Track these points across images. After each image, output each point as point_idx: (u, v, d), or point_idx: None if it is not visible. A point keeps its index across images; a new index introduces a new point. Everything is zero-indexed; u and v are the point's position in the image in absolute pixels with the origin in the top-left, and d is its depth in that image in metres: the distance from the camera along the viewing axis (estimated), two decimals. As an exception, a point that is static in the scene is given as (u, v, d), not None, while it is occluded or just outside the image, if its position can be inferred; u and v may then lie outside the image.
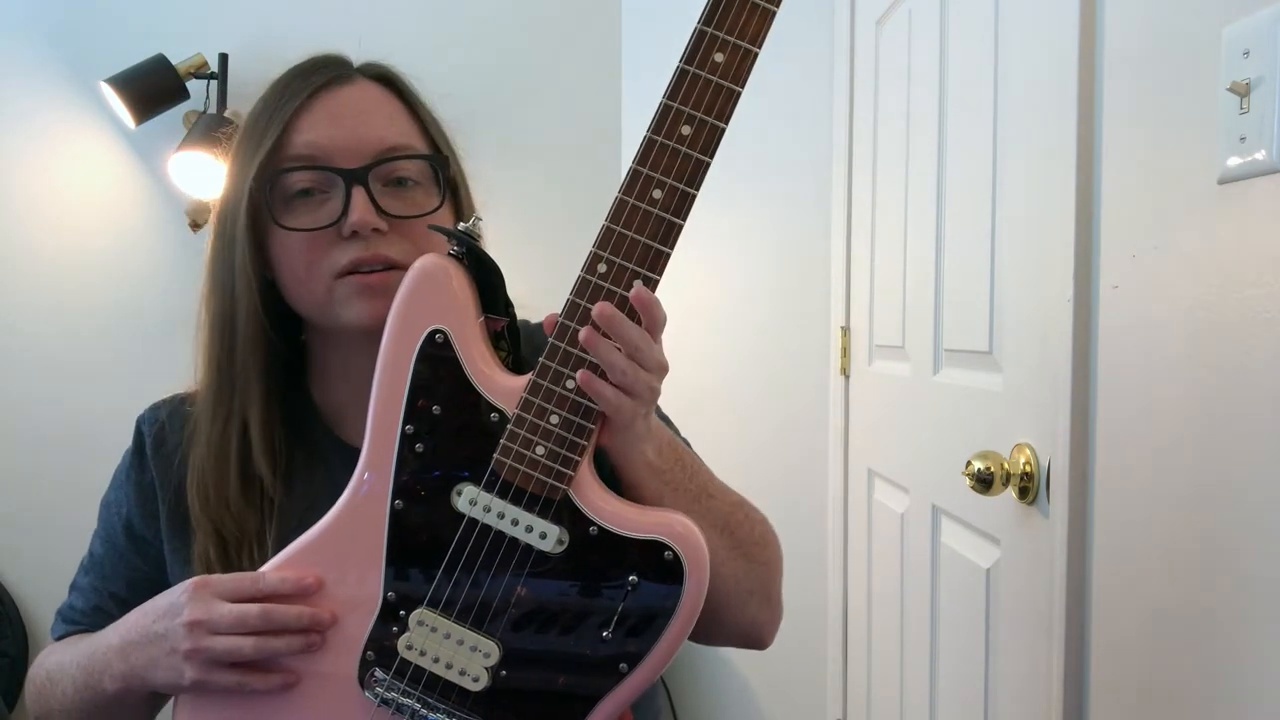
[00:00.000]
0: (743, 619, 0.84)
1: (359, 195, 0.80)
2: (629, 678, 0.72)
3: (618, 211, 0.70)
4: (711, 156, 0.70)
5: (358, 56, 0.93)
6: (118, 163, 2.43)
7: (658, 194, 0.70)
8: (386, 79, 0.88)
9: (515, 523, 0.72)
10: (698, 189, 0.70)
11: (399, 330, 0.74)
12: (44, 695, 0.87)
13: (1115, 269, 0.98)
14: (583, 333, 0.69)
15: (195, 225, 2.34)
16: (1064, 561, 1.04)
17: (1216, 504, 0.83)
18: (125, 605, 0.86)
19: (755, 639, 0.86)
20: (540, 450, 0.71)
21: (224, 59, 2.35)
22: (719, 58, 0.69)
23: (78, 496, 2.43)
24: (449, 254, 0.76)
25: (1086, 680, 1.04)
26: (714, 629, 0.80)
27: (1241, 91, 0.77)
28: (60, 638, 0.94)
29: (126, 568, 0.95)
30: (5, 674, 2.35)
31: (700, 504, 0.78)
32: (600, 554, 0.71)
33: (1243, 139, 0.77)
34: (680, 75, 0.69)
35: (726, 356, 2.18)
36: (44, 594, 2.41)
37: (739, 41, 0.69)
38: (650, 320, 0.71)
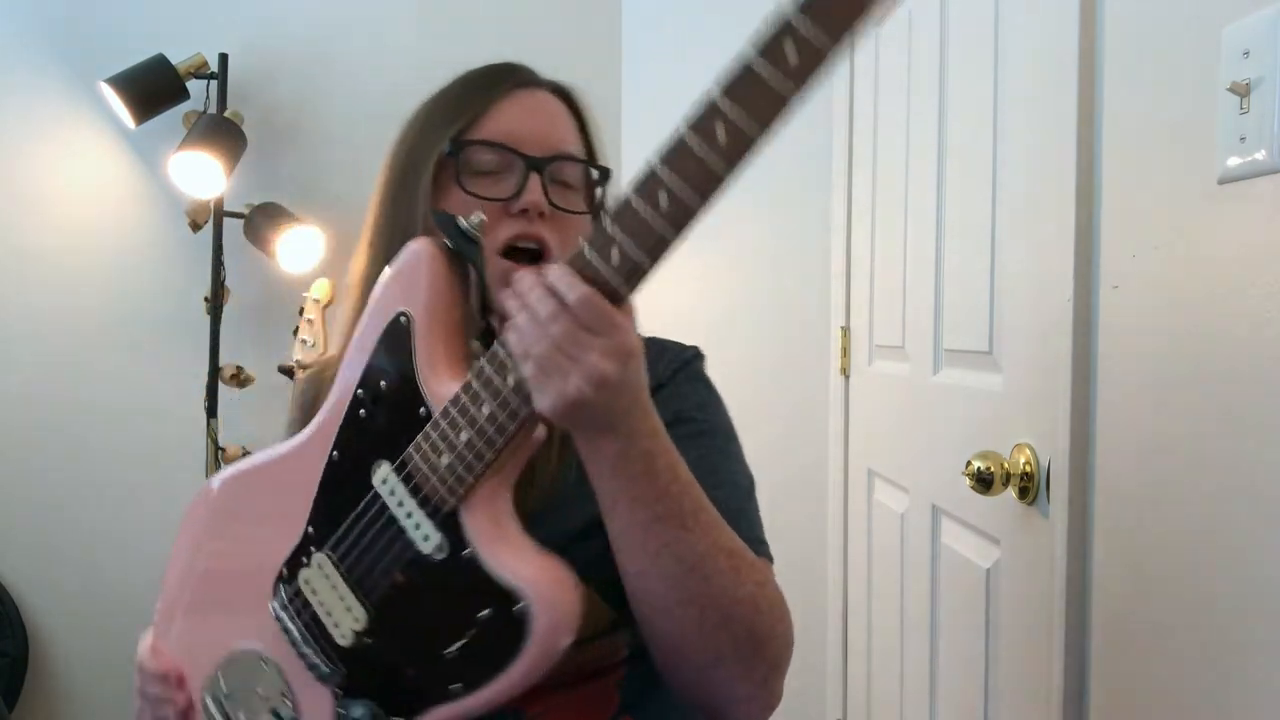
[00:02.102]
0: (707, 686, 0.77)
1: (535, 180, 0.88)
2: (462, 700, 0.72)
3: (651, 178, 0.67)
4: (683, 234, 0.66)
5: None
6: (118, 163, 2.43)
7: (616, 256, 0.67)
8: (567, 95, 0.97)
9: (409, 516, 0.74)
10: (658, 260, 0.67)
11: (380, 300, 0.79)
12: None
13: (1115, 269, 0.98)
14: (504, 292, 0.70)
15: (195, 225, 2.34)
16: (1064, 561, 1.04)
17: (1216, 503, 0.83)
18: None
19: (723, 714, 0.79)
20: (444, 460, 0.72)
21: (224, 59, 2.35)
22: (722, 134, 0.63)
23: (78, 497, 2.44)
24: (445, 245, 0.77)
25: (1086, 680, 1.04)
26: (674, 678, 0.78)
27: (1241, 91, 0.77)
28: None
29: None
30: (5, 674, 2.35)
31: (665, 528, 0.72)
32: (465, 578, 0.72)
33: (1243, 139, 0.77)
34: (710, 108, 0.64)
35: (726, 357, 2.18)
36: (44, 594, 2.41)
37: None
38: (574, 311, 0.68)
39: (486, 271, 0.80)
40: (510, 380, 0.69)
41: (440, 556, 0.73)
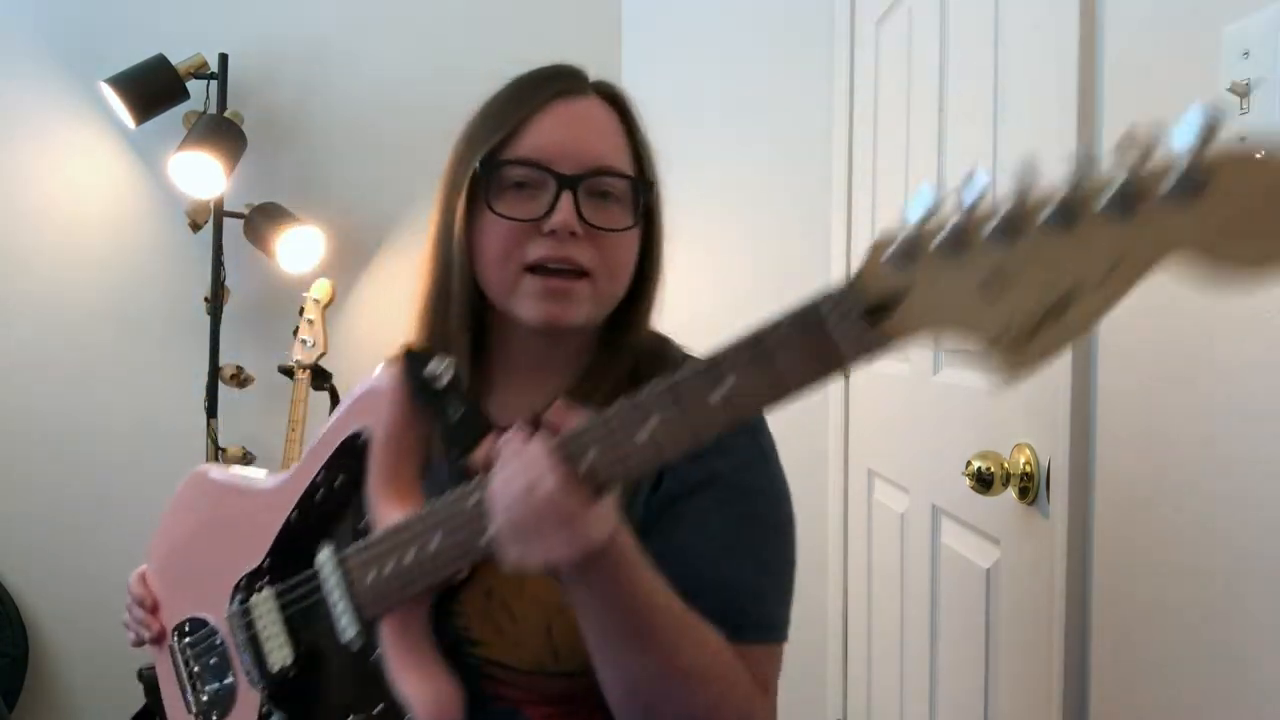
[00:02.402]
0: None
1: (566, 199, 0.86)
2: None
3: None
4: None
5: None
6: (118, 163, 2.43)
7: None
8: (615, 99, 0.94)
9: (336, 603, 0.82)
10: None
11: (347, 409, 0.85)
12: None
13: (1115, 269, 0.98)
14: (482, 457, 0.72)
15: (195, 225, 2.34)
16: (1064, 561, 1.04)
17: (1216, 504, 0.83)
18: None
19: None
20: (372, 577, 0.79)
21: (224, 59, 2.35)
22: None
23: (78, 496, 2.44)
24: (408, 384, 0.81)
25: (1086, 680, 1.04)
26: None
27: (1241, 91, 0.77)
28: None
29: None
30: (5, 674, 2.35)
31: (615, 644, 0.74)
32: (370, 674, 0.80)
33: (1243, 139, 0.77)
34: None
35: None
36: (44, 594, 2.41)
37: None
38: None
39: (520, 288, 0.86)
40: (479, 532, 0.72)
41: (355, 647, 0.81)
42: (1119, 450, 0.98)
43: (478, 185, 0.88)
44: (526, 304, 0.87)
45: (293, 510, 0.88)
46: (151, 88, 2.26)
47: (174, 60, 2.28)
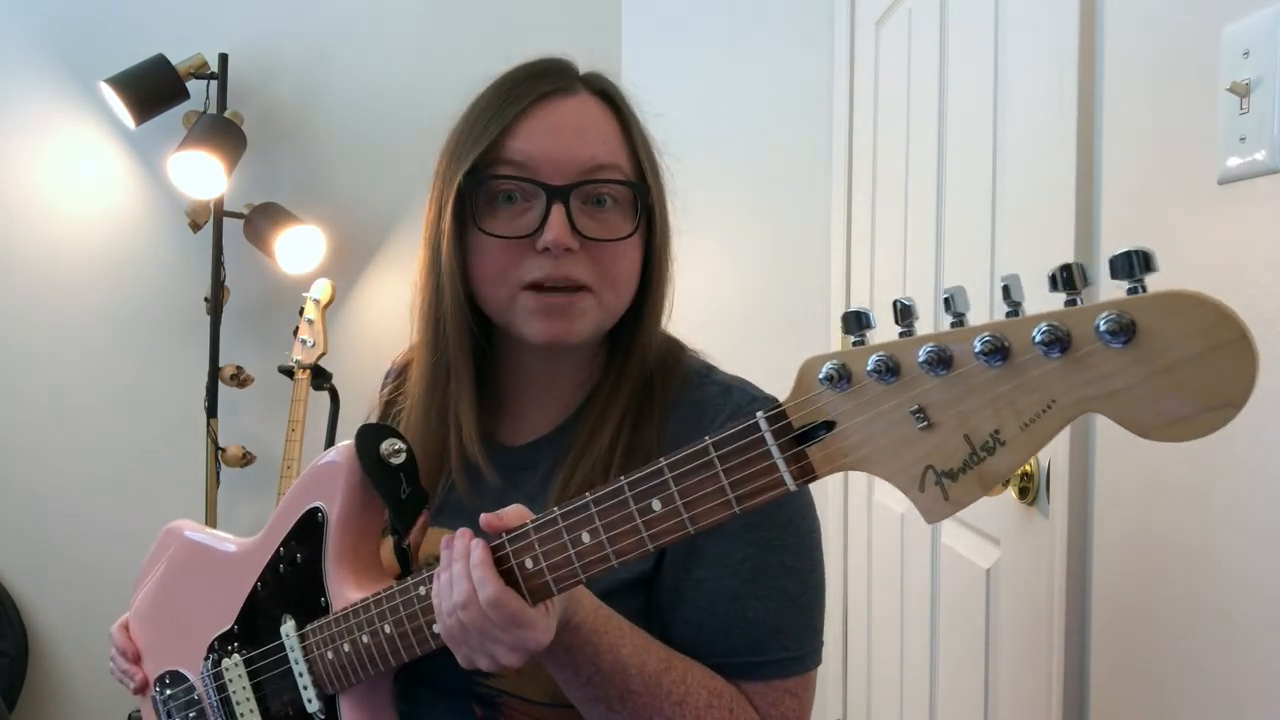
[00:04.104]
0: None
1: (558, 213, 0.81)
2: None
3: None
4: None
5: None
6: (118, 163, 2.43)
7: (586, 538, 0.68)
8: (607, 95, 0.88)
9: (300, 676, 0.85)
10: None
11: (303, 483, 0.87)
12: None
13: (1115, 269, 0.98)
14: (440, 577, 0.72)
15: (195, 225, 2.34)
16: (1064, 561, 1.04)
17: (1216, 504, 0.83)
18: None
19: None
20: (332, 655, 0.81)
21: (224, 59, 2.35)
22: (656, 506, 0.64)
23: (78, 497, 2.44)
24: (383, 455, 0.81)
25: (1086, 680, 1.04)
26: None
27: (1241, 91, 0.77)
28: None
29: None
30: (5, 674, 2.35)
31: (593, 706, 0.76)
32: None
33: (1243, 139, 0.77)
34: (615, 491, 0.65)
35: (726, 357, 2.18)
36: (44, 594, 2.41)
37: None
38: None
39: (519, 307, 0.84)
40: (431, 623, 0.74)
41: (320, 719, 0.84)
42: (1119, 450, 0.98)
43: (464, 202, 0.83)
44: (527, 322, 0.83)
45: (258, 579, 0.89)
46: (151, 88, 2.26)
47: (174, 60, 2.27)
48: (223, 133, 2.24)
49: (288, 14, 2.47)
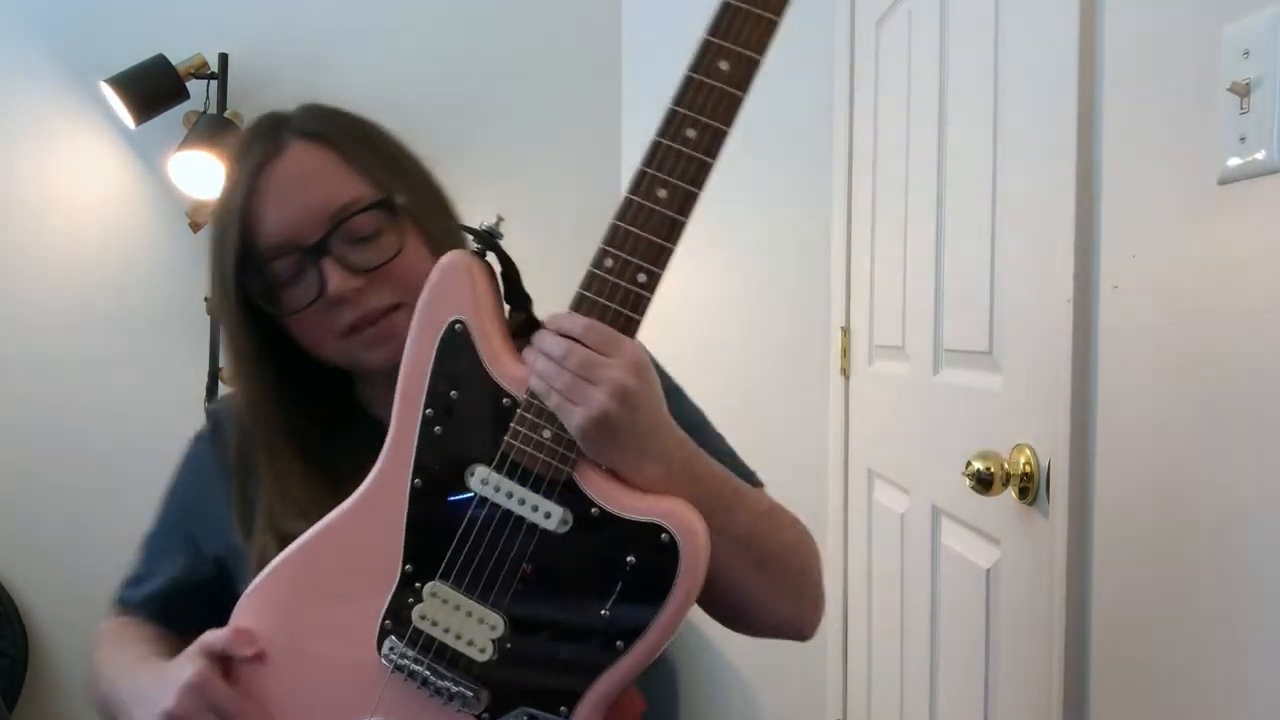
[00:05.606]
0: (774, 619, 0.87)
1: (329, 265, 0.86)
2: (627, 654, 0.74)
3: (625, 209, 0.73)
4: (715, 158, 0.75)
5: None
6: (118, 163, 2.43)
7: (663, 193, 0.73)
8: (315, 134, 0.91)
9: (523, 502, 0.75)
10: (701, 189, 0.74)
11: (424, 320, 0.79)
12: (94, 672, 1.03)
13: (1115, 269, 0.98)
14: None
15: (195, 225, 2.34)
16: (1064, 561, 1.04)
17: (1216, 503, 0.83)
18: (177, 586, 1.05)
19: (794, 634, 0.89)
20: (546, 434, 0.74)
21: (224, 59, 2.35)
22: (724, 65, 0.73)
23: (78, 496, 2.44)
24: (472, 250, 0.80)
25: (1086, 680, 1.04)
26: (747, 624, 0.87)
27: (1241, 91, 0.77)
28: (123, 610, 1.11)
29: (185, 553, 1.06)
30: (5, 674, 2.35)
31: (716, 519, 0.76)
32: (600, 534, 0.74)
33: (1243, 139, 0.77)
34: (687, 82, 0.75)
35: (727, 357, 2.18)
36: (44, 594, 2.41)
37: (743, 50, 0.72)
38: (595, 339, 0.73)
39: (351, 350, 0.89)
40: (547, 434, 0.74)
41: (566, 528, 0.74)
42: (1119, 450, 0.98)
43: (255, 303, 0.89)
44: (365, 357, 0.90)
45: (412, 480, 0.78)
46: (151, 88, 2.26)
47: (174, 60, 2.28)
48: (223, 133, 2.24)
49: (288, 14, 2.47)
